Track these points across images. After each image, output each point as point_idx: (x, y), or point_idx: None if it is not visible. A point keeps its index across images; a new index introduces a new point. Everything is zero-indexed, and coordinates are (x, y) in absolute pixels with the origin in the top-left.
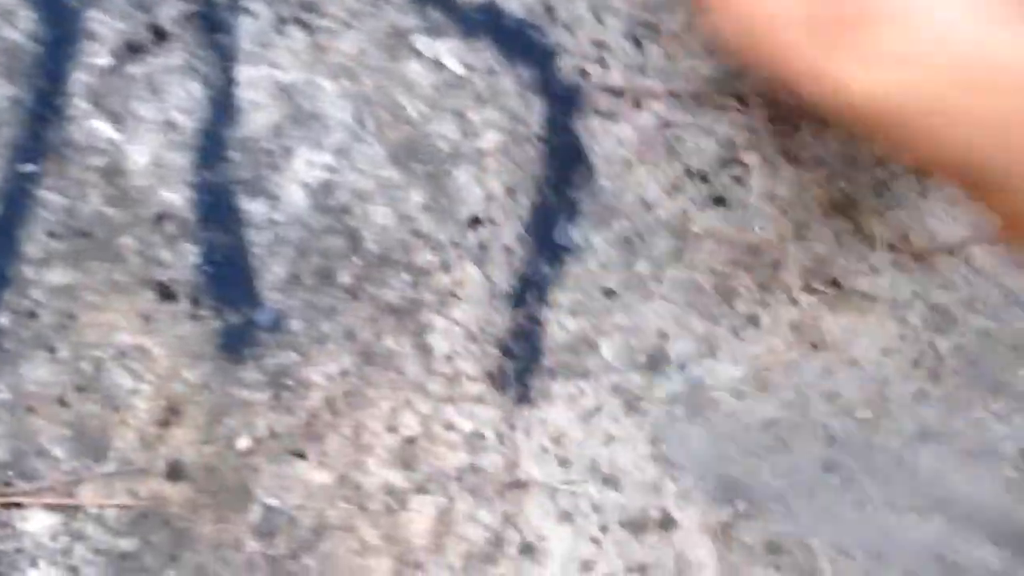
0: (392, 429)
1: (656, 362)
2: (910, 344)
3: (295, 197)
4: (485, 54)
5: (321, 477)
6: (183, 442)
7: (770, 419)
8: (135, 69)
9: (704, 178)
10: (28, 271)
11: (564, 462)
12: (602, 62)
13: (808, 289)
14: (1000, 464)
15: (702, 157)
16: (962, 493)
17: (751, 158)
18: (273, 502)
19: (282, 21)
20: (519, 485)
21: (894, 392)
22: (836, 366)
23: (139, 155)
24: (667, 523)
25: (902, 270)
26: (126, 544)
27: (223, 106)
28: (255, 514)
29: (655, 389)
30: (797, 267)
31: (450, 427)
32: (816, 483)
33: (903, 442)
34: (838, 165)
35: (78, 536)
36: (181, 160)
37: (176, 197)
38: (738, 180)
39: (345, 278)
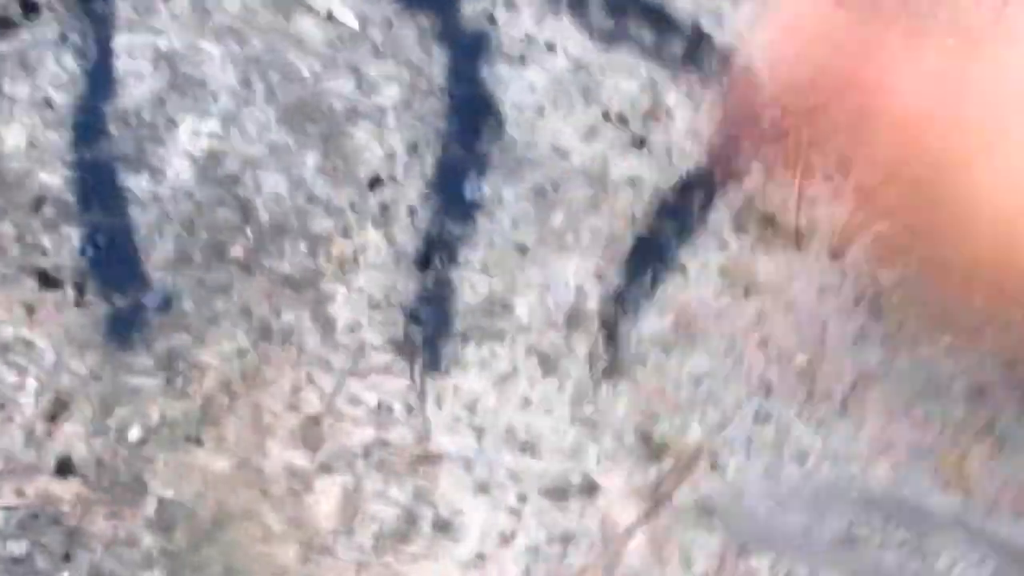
0: (293, 408)
1: (575, 319)
2: (850, 280)
3: (181, 170)
4: (382, 4)
5: (220, 463)
6: (72, 436)
7: (700, 372)
8: (5, 46)
9: (623, 121)
10: None
11: (478, 431)
12: (510, 5)
13: (739, 230)
14: (949, 403)
15: (621, 99)
16: (909, 437)
17: (674, 95)
18: (169, 493)
19: None
20: (431, 458)
21: (833, 334)
22: (770, 310)
23: (13, 137)
24: (590, 488)
25: (841, 201)
26: (16, 547)
27: (101, 79)
28: (150, 507)
29: (574, 348)
30: (726, 207)
31: (355, 402)
32: (750, 437)
33: (844, 387)
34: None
35: None
36: (58, 139)
37: (54, 179)
38: (660, 120)
39: (238, 252)
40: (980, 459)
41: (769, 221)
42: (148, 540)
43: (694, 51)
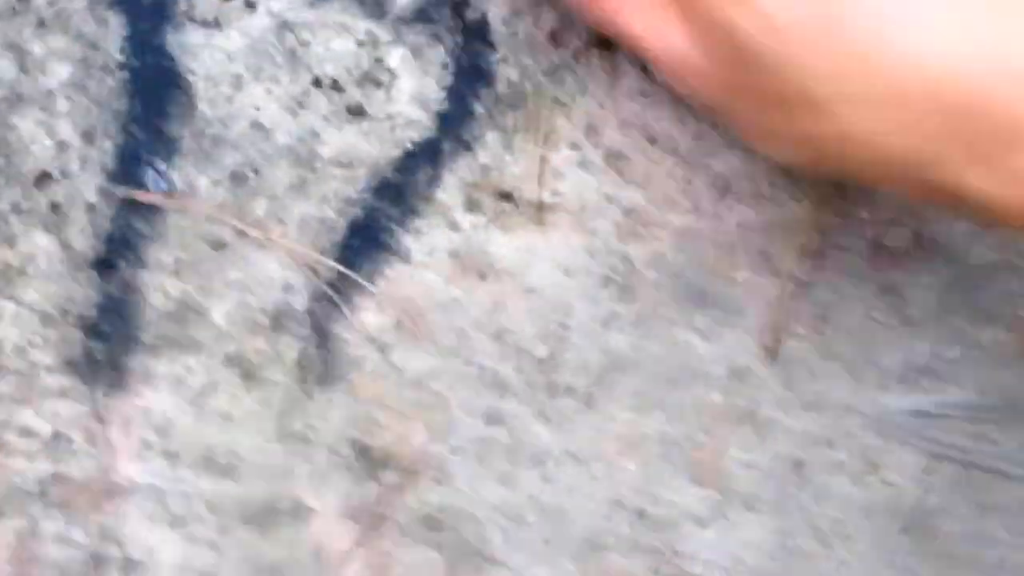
0: None
1: (281, 322)
2: (599, 259)
3: None
4: None
5: None
6: None
7: (424, 372)
8: None
9: (336, 87)
10: None
11: (172, 456)
12: None
13: (472, 208)
14: (706, 391)
15: (334, 62)
16: (660, 430)
17: (396, 55)
18: None
19: None
20: (117, 491)
21: (578, 320)
22: (508, 298)
23: None
24: (300, 513)
25: (590, 170)
26: None
27: None
28: None
29: (281, 354)
30: (458, 182)
31: (26, 433)
32: (481, 442)
33: (589, 379)
34: (505, 50)
35: None
36: None
37: None
38: (381, 84)
39: None
40: (739, 450)
41: (507, 197)
42: None
43: (421, 1)
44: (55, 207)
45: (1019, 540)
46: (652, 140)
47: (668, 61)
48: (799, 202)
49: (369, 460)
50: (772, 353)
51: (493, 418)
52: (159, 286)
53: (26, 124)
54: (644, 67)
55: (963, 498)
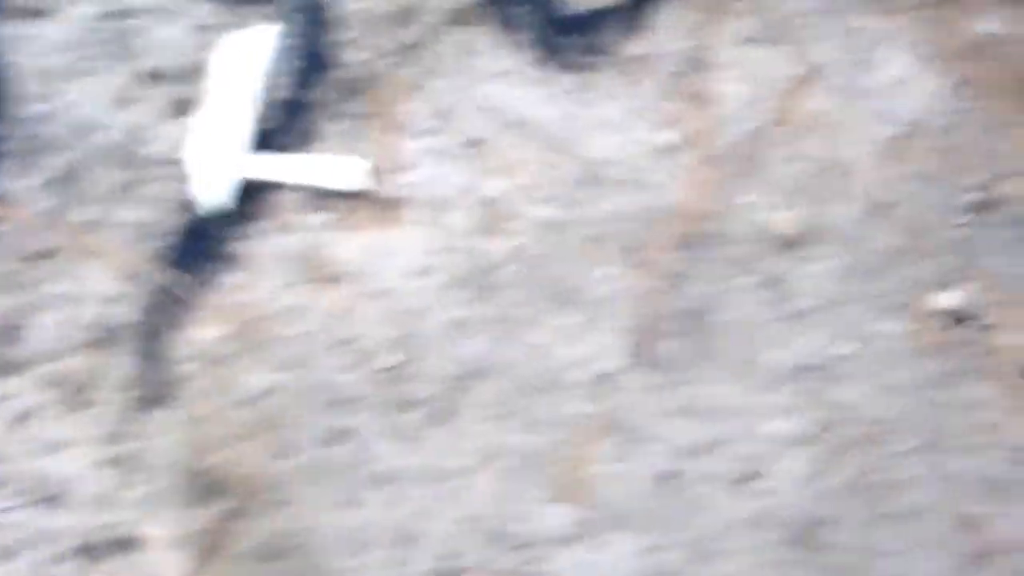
0: None
1: (107, 337)
2: (455, 257)
3: None
4: None
5: None
6: None
7: (263, 388)
8: None
9: (166, 78)
10: None
11: None
12: None
13: (318, 206)
14: (570, 399)
15: (164, 51)
16: (519, 442)
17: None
18: None
19: None
20: None
21: (431, 324)
22: (356, 303)
23: None
24: (131, 541)
25: (446, 159)
26: None
27: None
28: None
29: (107, 373)
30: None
31: None
32: (324, 462)
33: (442, 387)
34: (355, 29)
35: None
36: None
37: None
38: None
39: None
40: (606, 462)
41: (355, 192)
42: None
43: None
44: None
45: (913, 550)
46: (514, 124)
47: None
48: (677, 187)
49: (204, 484)
50: (643, 355)
51: (337, 435)
52: None
53: None
54: (506, 45)
55: (854, 506)
